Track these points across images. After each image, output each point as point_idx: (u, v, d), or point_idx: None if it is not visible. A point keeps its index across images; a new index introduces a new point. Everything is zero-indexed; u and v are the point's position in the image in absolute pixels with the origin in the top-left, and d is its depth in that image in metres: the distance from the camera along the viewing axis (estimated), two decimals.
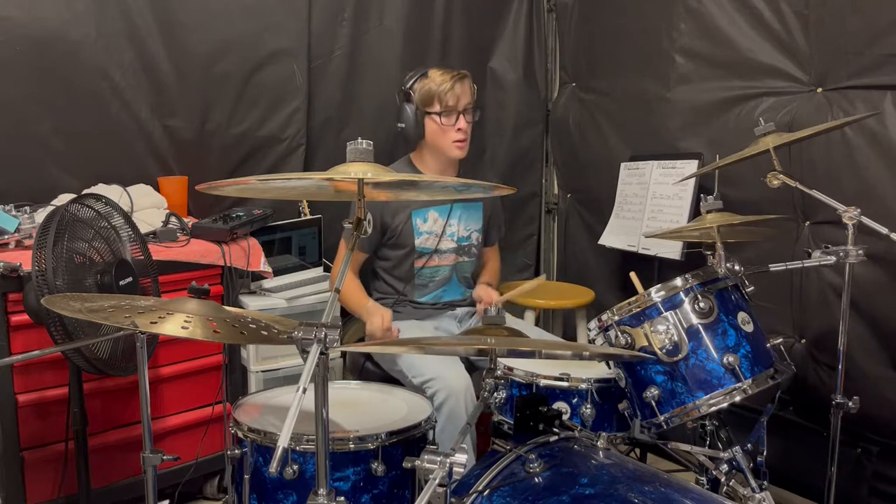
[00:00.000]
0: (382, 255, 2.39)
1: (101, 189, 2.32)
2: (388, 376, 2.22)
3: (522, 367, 1.92)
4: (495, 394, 1.89)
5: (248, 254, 2.38)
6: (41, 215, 2.05)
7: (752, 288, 1.79)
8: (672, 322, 1.67)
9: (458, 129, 2.26)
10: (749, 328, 1.71)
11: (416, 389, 2.03)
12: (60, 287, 1.64)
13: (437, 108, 2.24)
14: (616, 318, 1.72)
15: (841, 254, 1.76)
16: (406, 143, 2.38)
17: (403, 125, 2.28)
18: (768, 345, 1.74)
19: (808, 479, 2.28)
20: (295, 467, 1.48)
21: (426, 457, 1.26)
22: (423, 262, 2.35)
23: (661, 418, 1.69)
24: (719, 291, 1.71)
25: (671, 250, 2.55)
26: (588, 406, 1.84)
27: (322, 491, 1.19)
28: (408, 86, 2.28)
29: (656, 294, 1.69)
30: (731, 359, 1.64)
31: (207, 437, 2.31)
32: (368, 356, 2.32)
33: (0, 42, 2.26)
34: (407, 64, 2.39)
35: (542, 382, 1.88)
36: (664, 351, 1.66)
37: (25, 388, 1.99)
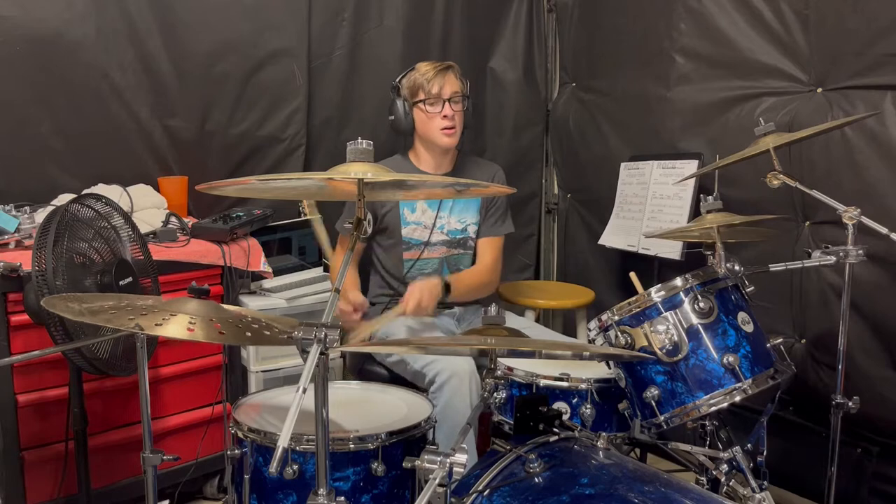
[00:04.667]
0: (374, 242, 2.40)
1: (101, 189, 2.32)
2: (387, 376, 2.22)
3: (522, 367, 1.92)
4: (495, 394, 1.89)
5: (248, 254, 2.39)
6: (41, 215, 2.05)
7: (752, 288, 1.79)
8: (672, 322, 1.67)
9: (444, 116, 2.28)
10: (749, 328, 1.71)
11: (416, 375, 2.02)
12: (60, 287, 1.64)
13: (421, 96, 2.29)
14: (616, 318, 1.72)
15: (841, 254, 1.76)
16: (398, 137, 2.40)
17: (393, 117, 2.35)
18: (768, 345, 1.74)
19: (808, 479, 2.28)
20: (295, 467, 1.48)
21: (426, 457, 1.26)
22: (412, 254, 2.36)
23: (661, 418, 1.69)
24: (719, 291, 1.71)
25: (671, 250, 2.55)
26: (588, 406, 1.84)
27: (322, 491, 1.19)
28: (398, 80, 2.35)
29: (656, 294, 1.69)
30: (731, 359, 1.63)
31: (207, 437, 2.31)
32: (367, 356, 2.32)
33: (0, 42, 2.27)
34: (407, 64, 2.40)
35: (542, 382, 1.88)
36: (664, 351, 1.66)
37: (25, 388, 1.99)
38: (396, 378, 2.19)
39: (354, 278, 2.37)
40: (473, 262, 2.48)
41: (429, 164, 2.40)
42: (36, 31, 2.31)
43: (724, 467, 1.71)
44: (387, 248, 2.38)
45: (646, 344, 1.68)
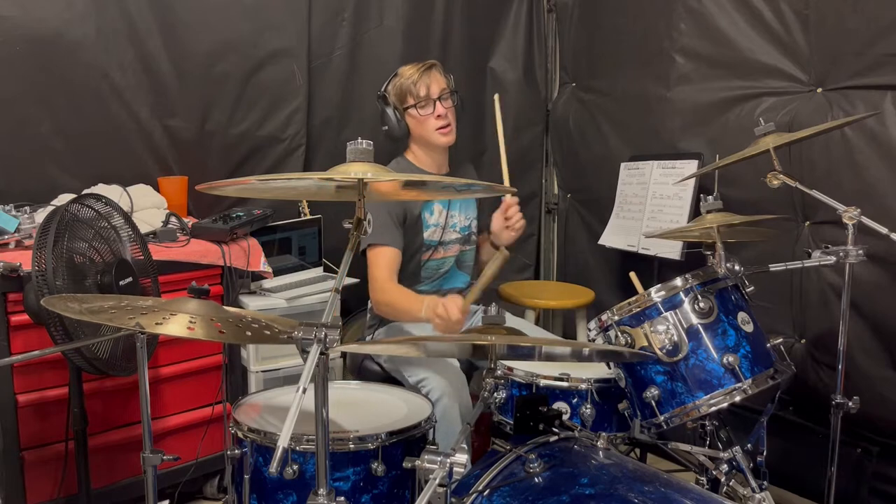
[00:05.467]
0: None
1: (101, 189, 2.32)
2: (387, 376, 2.22)
3: (522, 367, 1.92)
4: (495, 394, 1.89)
5: (248, 254, 2.39)
6: (41, 215, 2.05)
7: (752, 288, 1.79)
8: (672, 322, 1.67)
9: (438, 116, 2.27)
10: (749, 328, 1.71)
11: (413, 389, 2.03)
12: (60, 287, 1.64)
13: (411, 101, 2.27)
14: (616, 318, 1.72)
15: (841, 254, 1.76)
16: (396, 144, 2.39)
17: (387, 127, 2.32)
18: (768, 345, 1.74)
19: (808, 479, 2.28)
20: (295, 467, 1.48)
21: (426, 457, 1.26)
22: (428, 254, 2.36)
23: (661, 418, 1.69)
24: (719, 291, 1.71)
25: (671, 250, 2.55)
26: (588, 406, 1.84)
27: (322, 491, 1.19)
28: (383, 89, 2.32)
29: (656, 294, 1.69)
30: (730, 359, 1.64)
31: (207, 437, 2.31)
32: (368, 356, 2.32)
33: (0, 42, 2.27)
34: (407, 64, 2.40)
35: (542, 382, 1.88)
36: (664, 351, 1.66)
37: (25, 388, 1.99)
38: (396, 380, 2.19)
39: (408, 290, 2.24)
40: (475, 257, 2.49)
41: (428, 164, 2.39)
42: (36, 31, 2.31)
43: (724, 467, 1.71)
44: (409, 253, 2.36)
45: (646, 344, 1.68)
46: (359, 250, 2.26)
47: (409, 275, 2.37)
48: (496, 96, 2.31)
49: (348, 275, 1.28)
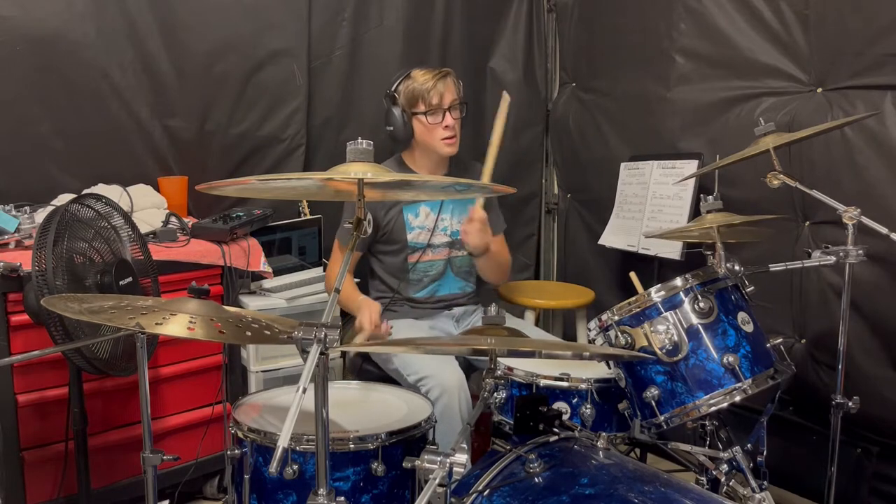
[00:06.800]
0: (376, 251, 2.40)
1: (101, 189, 2.32)
2: (387, 376, 2.22)
3: (522, 367, 1.92)
4: (495, 394, 1.89)
5: (248, 254, 2.39)
6: (41, 215, 2.05)
7: (752, 288, 1.79)
8: (672, 322, 1.67)
9: (446, 127, 2.27)
10: (749, 328, 1.71)
11: (412, 388, 2.03)
12: (60, 287, 1.65)
13: (421, 107, 2.27)
14: (616, 318, 1.72)
15: (841, 254, 1.76)
16: (397, 145, 2.39)
17: (392, 128, 2.31)
18: (768, 345, 1.74)
19: (808, 479, 2.28)
20: (295, 467, 1.48)
21: (426, 457, 1.26)
22: (416, 257, 2.36)
23: (661, 418, 1.69)
24: (719, 291, 1.71)
25: (671, 250, 2.55)
26: (588, 406, 1.84)
27: (322, 491, 1.19)
28: (393, 88, 2.31)
29: (656, 294, 1.69)
30: (730, 359, 1.64)
31: (207, 437, 2.31)
32: (366, 356, 2.32)
33: (0, 42, 2.27)
34: (407, 64, 2.40)
35: (542, 382, 1.88)
36: (664, 351, 1.66)
37: (25, 388, 2.00)
38: (395, 380, 2.19)
39: (354, 286, 2.36)
40: (473, 263, 2.47)
41: (425, 167, 2.40)
42: (36, 31, 2.31)
43: (724, 467, 1.71)
44: (390, 254, 2.37)
45: (646, 344, 1.68)
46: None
47: (397, 276, 2.37)
48: (507, 97, 2.27)
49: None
